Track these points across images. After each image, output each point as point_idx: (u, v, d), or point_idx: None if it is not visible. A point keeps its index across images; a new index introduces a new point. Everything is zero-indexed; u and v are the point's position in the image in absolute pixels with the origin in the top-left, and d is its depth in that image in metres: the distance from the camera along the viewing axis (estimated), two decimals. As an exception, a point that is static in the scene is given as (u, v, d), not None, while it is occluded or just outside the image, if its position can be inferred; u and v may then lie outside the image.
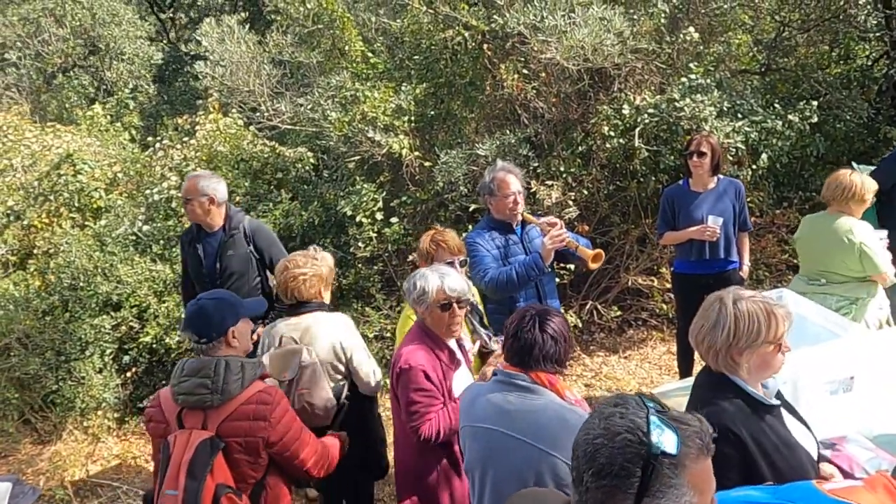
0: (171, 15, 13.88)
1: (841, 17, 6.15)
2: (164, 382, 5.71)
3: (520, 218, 3.96)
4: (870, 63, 6.69)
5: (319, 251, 3.54)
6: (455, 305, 2.98)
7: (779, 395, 2.30)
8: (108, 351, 5.60)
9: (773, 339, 2.16)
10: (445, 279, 2.98)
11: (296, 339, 3.29)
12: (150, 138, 7.71)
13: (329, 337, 3.31)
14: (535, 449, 2.26)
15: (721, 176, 4.66)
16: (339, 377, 3.35)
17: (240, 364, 2.63)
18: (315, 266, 3.40)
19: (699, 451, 1.39)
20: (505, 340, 2.50)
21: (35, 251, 6.41)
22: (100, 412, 5.54)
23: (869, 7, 5.84)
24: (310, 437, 2.79)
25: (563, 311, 4.40)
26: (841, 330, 3.53)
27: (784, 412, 2.26)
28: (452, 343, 3.14)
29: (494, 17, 5.79)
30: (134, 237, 6.28)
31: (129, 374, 5.72)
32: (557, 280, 4.24)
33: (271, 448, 2.63)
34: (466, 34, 5.92)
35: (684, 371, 5.04)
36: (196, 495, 2.44)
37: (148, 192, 6.58)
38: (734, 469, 2.06)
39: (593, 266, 3.85)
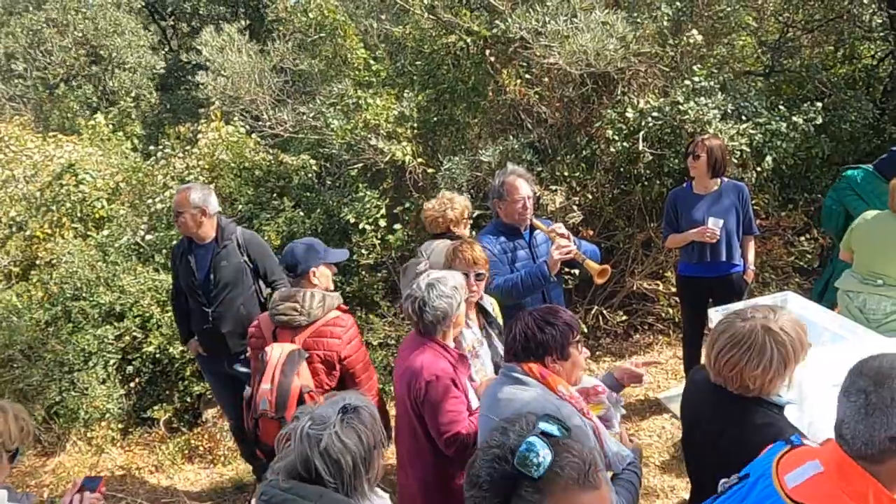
0: (172, 23, 13.90)
1: (845, 16, 6.11)
2: (167, 393, 5.70)
3: (528, 223, 3.92)
4: (875, 63, 6.64)
5: (454, 195, 4.30)
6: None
7: None
8: (111, 361, 5.57)
9: (798, 361, 2.20)
10: (431, 293, 2.93)
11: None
12: (151, 147, 7.69)
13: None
14: None
15: (725, 179, 4.62)
16: None
17: (321, 295, 3.35)
18: (443, 207, 4.20)
19: (573, 481, 1.37)
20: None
21: (37, 262, 6.40)
22: (103, 423, 5.52)
23: (873, 6, 5.79)
24: (370, 370, 3.47)
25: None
26: (849, 333, 3.50)
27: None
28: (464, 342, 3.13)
29: (496, 22, 5.76)
30: (136, 247, 6.27)
31: (132, 385, 5.69)
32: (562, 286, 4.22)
33: (342, 362, 3.31)
34: (468, 40, 5.90)
35: (691, 376, 5.00)
36: (286, 389, 3.14)
37: (150, 201, 6.57)
38: None
39: (599, 281, 3.81)
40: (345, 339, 3.34)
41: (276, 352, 3.25)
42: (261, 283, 4.42)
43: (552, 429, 1.45)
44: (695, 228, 4.48)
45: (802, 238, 6.15)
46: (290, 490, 1.86)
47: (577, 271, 4.44)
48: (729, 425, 2.26)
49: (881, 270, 4.02)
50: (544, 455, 1.37)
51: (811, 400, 2.90)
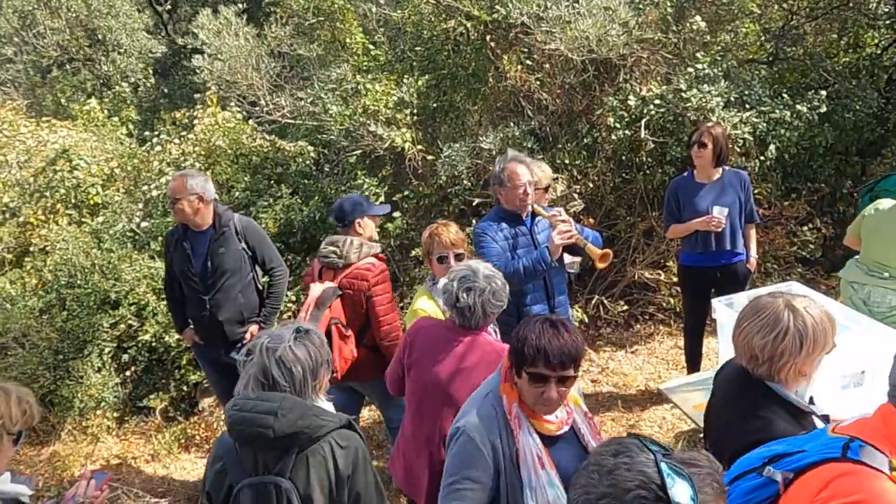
0: (168, 7, 13.73)
1: (850, 4, 6.04)
2: (163, 381, 5.65)
3: (530, 209, 3.88)
4: (879, 51, 6.57)
5: (538, 163, 4.27)
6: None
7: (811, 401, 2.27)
8: (106, 349, 5.51)
9: (830, 348, 2.12)
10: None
11: None
12: (147, 133, 7.60)
13: None
14: None
15: (727, 167, 4.57)
16: None
17: (360, 242, 3.84)
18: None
19: (716, 495, 1.29)
20: None
21: (31, 249, 6.32)
22: (99, 412, 5.47)
23: (879, -6, 5.74)
24: (393, 315, 3.85)
25: (569, 305, 4.33)
26: (853, 323, 3.46)
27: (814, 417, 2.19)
28: None
29: (497, 7, 5.68)
30: (132, 234, 6.20)
31: (128, 373, 5.64)
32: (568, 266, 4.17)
33: (368, 302, 3.75)
34: (469, 25, 5.82)
35: (692, 366, 4.97)
36: (317, 319, 3.61)
37: (146, 187, 6.49)
38: None
39: (600, 265, 3.77)
40: (371, 281, 3.75)
41: (316, 289, 3.76)
42: (258, 270, 4.39)
43: (662, 448, 1.31)
44: (699, 218, 4.43)
45: (805, 228, 6.11)
46: (257, 397, 2.22)
47: (578, 258, 4.37)
48: (726, 403, 2.22)
49: (888, 262, 3.93)
50: (685, 479, 1.25)
51: (816, 389, 2.86)
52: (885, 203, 4.09)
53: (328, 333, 3.63)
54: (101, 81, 11.00)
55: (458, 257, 3.54)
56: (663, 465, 1.23)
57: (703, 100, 5.27)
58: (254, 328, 4.31)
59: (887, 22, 6.12)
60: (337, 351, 3.65)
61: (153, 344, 5.50)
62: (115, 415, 5.55)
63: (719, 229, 4.41)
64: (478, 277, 2.85)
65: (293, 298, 5.79)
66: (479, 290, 2.83)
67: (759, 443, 1.90)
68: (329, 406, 2.44)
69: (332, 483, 2.20)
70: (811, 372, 2.14)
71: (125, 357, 5.56)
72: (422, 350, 3.00)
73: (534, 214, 3.91)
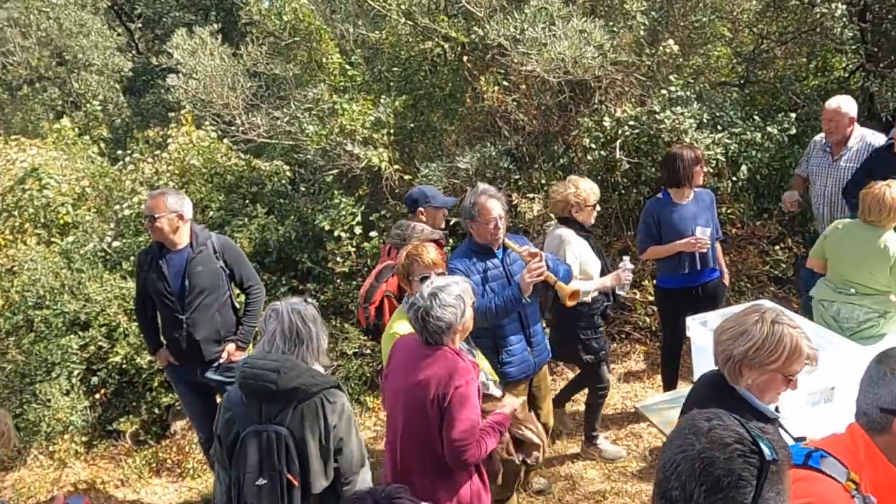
0: (139, 25, 13.64)
1: (818, 29, 6.18)
2: (134, 404, 5.52)
3: (501, 242, 3.89)
4: (846, 75, 6.74)
5: (581, 179, 4.47)
6: None
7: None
8: (75, 372, 5.37)
9: (787, 372, 2.21)
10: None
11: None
12: (119, 152, 7.49)
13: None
14: None
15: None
16: None
17: (422, 228, 4.27)
18: (566, 190, 4.39)
19: (788, 459, 1.46)
20: None
21: (-2, 269, 6.16)
22: (66, 436, 5.31)
23: (844, 20, 5.87)
24: None
25: (546, 331, 4.37)
26: (826, 343, 3.52)
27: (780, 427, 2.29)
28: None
29: (474, 28, 5.73)
30: (103, 254, 6.08)
31: (97, 396, 5.49)
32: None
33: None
34: (446, 46, 5.86)
35: (669, 384, 4.98)
36: (374, 289, 4.10)
37: (118, 206, 6.37)
38: None
39: (569, 303, 3.81)
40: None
41: (379, 264, 4.32)
42: (234, 289, 4.36)
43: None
44: (682, 240, 4.46)
45: (777, 247, 6.20)
46: (264, 357, 2.67)
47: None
48: (697, 406, 2.30)
49: (853, 279, 4.02)
50: (765, 440, 1.42)
51: (785, 408, 2.89)
52: (843, 222, 4.21)
53: (380, 305, 4.10)
54: (72, 100, 10.86)
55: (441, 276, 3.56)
56: (749, 428, 1.43)
57: (677, 121, 5.35)
58: (231, 346, 4.25)
59: (853, 47, 6.28)
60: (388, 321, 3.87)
61: (124, 366, 5.38)
62: (84, 439, 5.41)
63: (704, 250, 4.47)
64: (423, 294, 2.90)
65: (268, 319, 5.70)
66: (418, 306, 2.88)
67: None
68: (322, 370, 2.89)
69: (321, 432, 2.64)
70: (773, 391, 2.27)
71: (95, 379, 5.42)
72: (396, 361, 3.08)
73: (505, 247, 3.92)
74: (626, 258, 4.39)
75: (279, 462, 2.59)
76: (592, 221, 4.50)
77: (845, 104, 4.81)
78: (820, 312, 4.21)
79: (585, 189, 4.37)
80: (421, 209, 4.42)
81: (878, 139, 4.82)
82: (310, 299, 2.89)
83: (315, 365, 2.81)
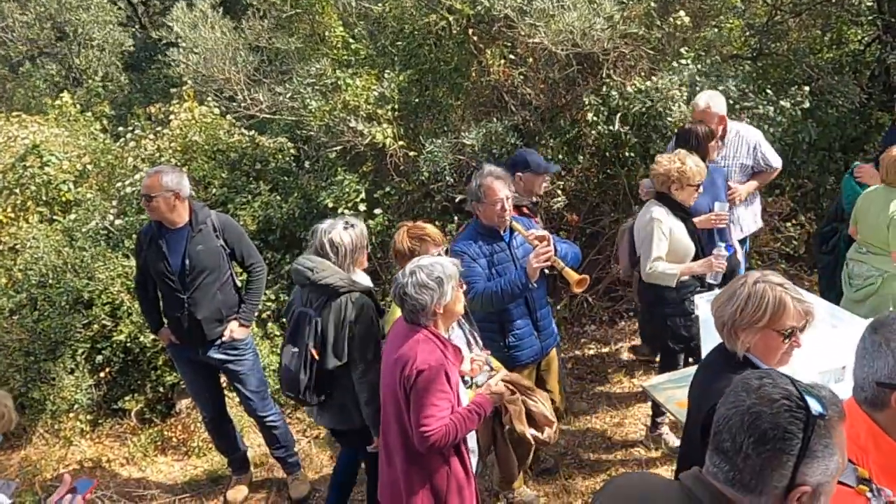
0: (142, 0, 13.48)
1: (833, 0, 6.03)
2: (139, 383, 5.50)
3: (508, 224, 3.81)
4: (862, 48, 6.57)
5: (689, 155, 4.13)
6: None
7: None
8: (79, 350, 5.36)
9: (778, 327, 2.21)
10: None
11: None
12: (121, 128, 7.41)
13: None
14: None
15: None
16: None
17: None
18: (670, 164, 4.08)
19: (839, 415, 1.48)
20: None
21: (0, 248, 6.13)
22: (72, 414, 5.32)
23: (861, -11, 5.73)
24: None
25: (552, 309, 4.30)
26: (839, 322, 3.50)
27: None
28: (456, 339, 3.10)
29: (479, 0, 5.59)
30: (105, 232, 6.03)
31: (102, 375, 5.47)
32: (547, 271, 4.11)
33: None
34: (451, 18, 5.72)
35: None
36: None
37: (120, 184, 6.31)
38: None
39: (576, 290, 3.74)
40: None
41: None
42: (235, 267, 4.32)
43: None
44: (700, 216, 4.36)
45: (789, 224, 6.09)
46: (308, 259, 3.42)
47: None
48: (705, 370, 2.41)
49: (870, 239, 4.31)
50: (815, 396, 1.47)
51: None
52: (869, 188, 4.43)
53: None
54: (74, 76, 10.74)
55: (447, 253, 3.55)
56: (799, 385, 1.49)
57: (685, 96, 5.23)
58: (233, 324, 4.21)
59: (870, 18, 6.11)
60: None
61: (128, 344, 5.35)
62: (89, 417, 5.40)
63: (723, 225, 4.40)
64: (405, 270, 2.86)
65: (272, 297, 5.67)
66: (398, 283, 2.86)
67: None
68: (364, 278, 3.60)
69: (340, 323, 3.34)
70: (776, 352, 2.26)
71: (99, 358, 5.40)
72: (388, 340, 3.09)
73: (512, 229, 3.84)
74: (722, 245, 4.10)
75: (307, 337, 3.35)
76: (692, 203, 4.18)
77: (714, 102, 4.70)
78: (846, 271, 4.50)
79: (692, 167, 4.04)
80: (520, 174, 4.32)
81: (751, 133, 4.89)
82: (352, 221, 3.51)
83: (354, 274, 3.48)
